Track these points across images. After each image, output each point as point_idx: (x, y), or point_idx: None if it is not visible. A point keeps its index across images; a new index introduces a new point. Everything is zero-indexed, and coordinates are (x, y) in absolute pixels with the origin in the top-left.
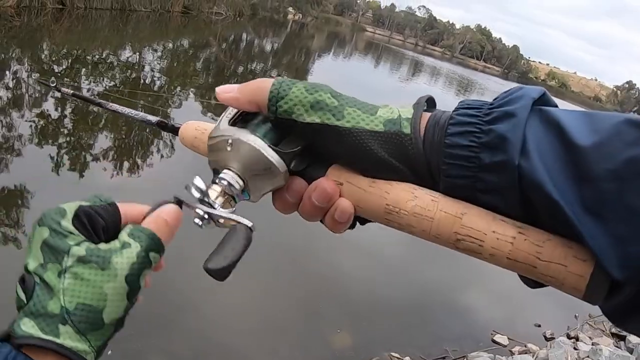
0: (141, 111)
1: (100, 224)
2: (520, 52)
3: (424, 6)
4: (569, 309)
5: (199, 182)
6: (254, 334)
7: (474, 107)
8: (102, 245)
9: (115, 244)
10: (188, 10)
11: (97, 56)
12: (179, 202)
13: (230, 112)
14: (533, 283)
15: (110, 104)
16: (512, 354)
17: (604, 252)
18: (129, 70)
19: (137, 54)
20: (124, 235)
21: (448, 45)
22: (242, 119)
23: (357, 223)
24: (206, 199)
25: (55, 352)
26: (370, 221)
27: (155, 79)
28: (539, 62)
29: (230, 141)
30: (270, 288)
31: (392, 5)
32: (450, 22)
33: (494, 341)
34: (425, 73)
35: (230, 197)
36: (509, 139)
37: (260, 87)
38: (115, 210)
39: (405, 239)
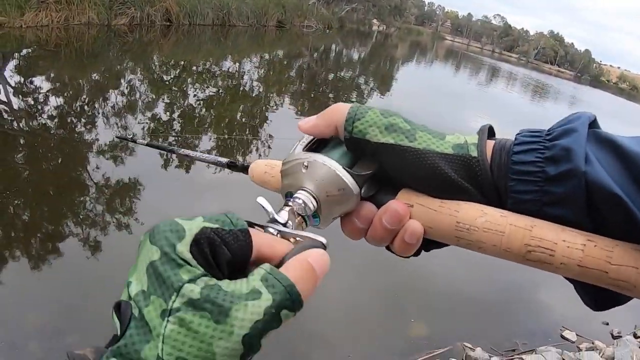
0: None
1: (225, 256)
2: (592, 56)
3: (499, 14)
4: (637, 309)
5: (264, 202)
6: (338, 319)
7: (536, 131)
8: (225, 285)
9: (241, 287)
10: (282, 24)
11: (201, 66)
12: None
13: (305, 139)
14: (596, 304)
15: (182, 150)
16: (580, 350)
17: None
18: (230, 79)
19: (237, 63)
20: (255, 279)
21: (523, 52)
22: (316, 146)
23: (422, 250)
24: (279, 219)
25: None
26: (433, 247)
27: (253, 86)
28: (610, 66)
29: (305, 163)
30: (354, 280)
31: (469, 14)
32: (525, 29)
33: (562, 337)
34: (502, 78)
35: (302, 219)
36: (574, 149)
37: (338, 110)
38: (247, 238)
39: None
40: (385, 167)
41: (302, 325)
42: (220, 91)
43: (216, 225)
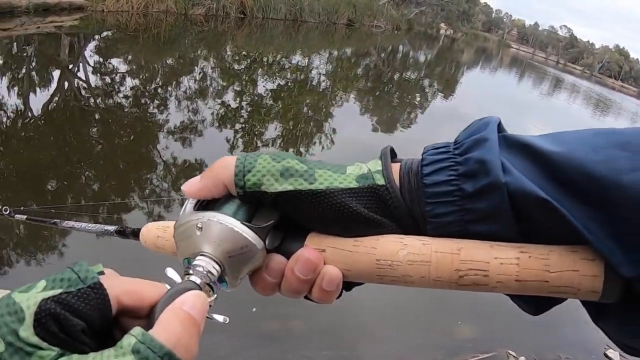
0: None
1: (77, 326)
2: None
3: (565, 25)
4: None
5: (172, 273)
6: (386, 316)
7: (442, 146)
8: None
9: (110, 357)
10: (352, 23)
11: (272, 58)
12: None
13: (193, 200)
14: (534, 308)
15: (65, 222)
16: None
17: (607, 248)
18: (298, 73)
19: (306, 58)
20: (125, 351)
21: (587, 64)
22: (207, 202)
23: (343, 291)
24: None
25: None
26: (355, 285)
27: (320, 81)
28: None
29: (199, 225)
30: None
31: (536, 23)
32: (590, 42)
33: (605, 355)
34: (565, 90)
35: (209, 287)
36: (489, 160)
37: (224, 165)
38: (102, 296)
39: None
40: (289, 215)
41: (351, 317)
42: (289, 83)
43: (59, 290)
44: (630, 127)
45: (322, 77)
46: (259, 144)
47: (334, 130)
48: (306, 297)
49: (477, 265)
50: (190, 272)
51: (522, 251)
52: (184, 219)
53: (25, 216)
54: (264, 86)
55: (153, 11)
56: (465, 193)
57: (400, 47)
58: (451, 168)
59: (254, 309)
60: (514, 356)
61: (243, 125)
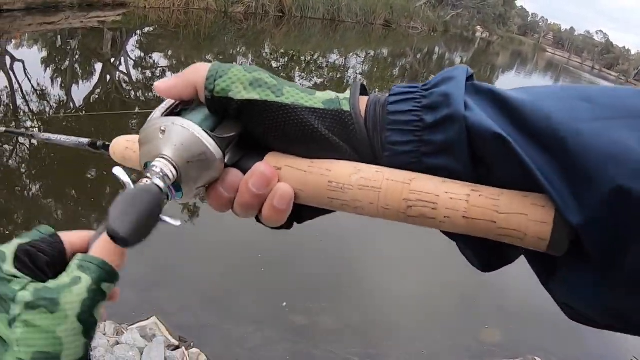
0: None
1: (42, 260)
2: None
3: (601, 31)
4: None
5: (119, 172)
6: (413, 317)
7: (411, 85)
8: (50, 284)
9: (64, 279)
10: (389, 23)
11: (309, 57)
12: None
13: (165, 104)
14: (484, 263)
15: (42, 134)
16: None
17: (559, 194)
18: (335, 72)
19: (343, 57)
20: (72, 268)
21: (623, 70)
22: (176, 111)
23: (294, 223)
24: None
25: None
26: (306, 219)
27: (358, 80)
28: None
29: (162, 127)
30: (432, 277)
31: (572, 28)
32: (626, 48)
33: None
34: None
35: (162, 191)
36: (452, 94)
37: (198, 68)
38: (58, 241)
39: None
40: (250, 128)
41: (380, 315)
42: (325, 82)
43: (28, 239)
44: (597, 86)
45: (359, 77)
46: None
47: None
48: (257, 220)
49: (427, 197)
50: (148, 174)
51: (473, 190)
52: (150, 123)
53: (5, 128)
54: (301, 84)
55: (194, 8)
56: (425, 124)
57: (436, 49)
58: (415, 100)
59: (284, 304)
60: None
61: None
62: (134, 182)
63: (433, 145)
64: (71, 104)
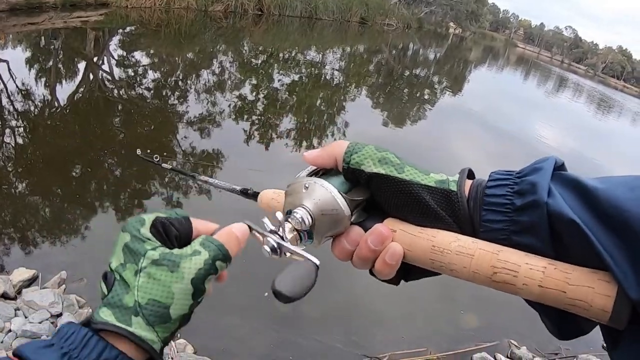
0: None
1: (173, 233)
2: None
3: (570, 26)
4: None
5: (267, 220)
6: (395, 305)
7: (509, 171)
8: (175, 251)
9: (186, 250)
10: (364, 21)
11: (287, 54)
12: (249, 226)
13: (309, 168)
14: (560, 332)
15: (202, 176)
16: None
17: (621, 271)
18: (312, 68)
19: (320, 54)
20: (196, 244)
21: (591, 64)
22: (318, 175)
23: (402, 281)
24: (278, 232)
25: (127, 339)
26: (412, 278)
27: (334, 76)
28: None
29: (306, 184)
30: None
31: (542, 24)
32: (594, 42)
33: (603, 347)
34: (568, 89)
35: (297, 235)
36: (538, 183)
37: (339, 145)
38: (189, 223)
39: None
40: (375, 196)
41: (362, 304)
42: (303, 78)
43: (166, 215)
44: None
45: (335, 73)
46: (274, 135)
47: (346, 124)
48: (370, 273)
49: (510, 266)
50: (289, 219)
51: (550, 263)
52: (297, 179)
53: (170, 166)
54: (279, 80)
55: (174, 7)
56: (514, 206)
57: (411, 45)
58: (509, 186)
59: (266, 294)
60: (515, 346)
61: (259, 118)
62: (272, 231)
63: (520, 224)
64: (55, 103)
